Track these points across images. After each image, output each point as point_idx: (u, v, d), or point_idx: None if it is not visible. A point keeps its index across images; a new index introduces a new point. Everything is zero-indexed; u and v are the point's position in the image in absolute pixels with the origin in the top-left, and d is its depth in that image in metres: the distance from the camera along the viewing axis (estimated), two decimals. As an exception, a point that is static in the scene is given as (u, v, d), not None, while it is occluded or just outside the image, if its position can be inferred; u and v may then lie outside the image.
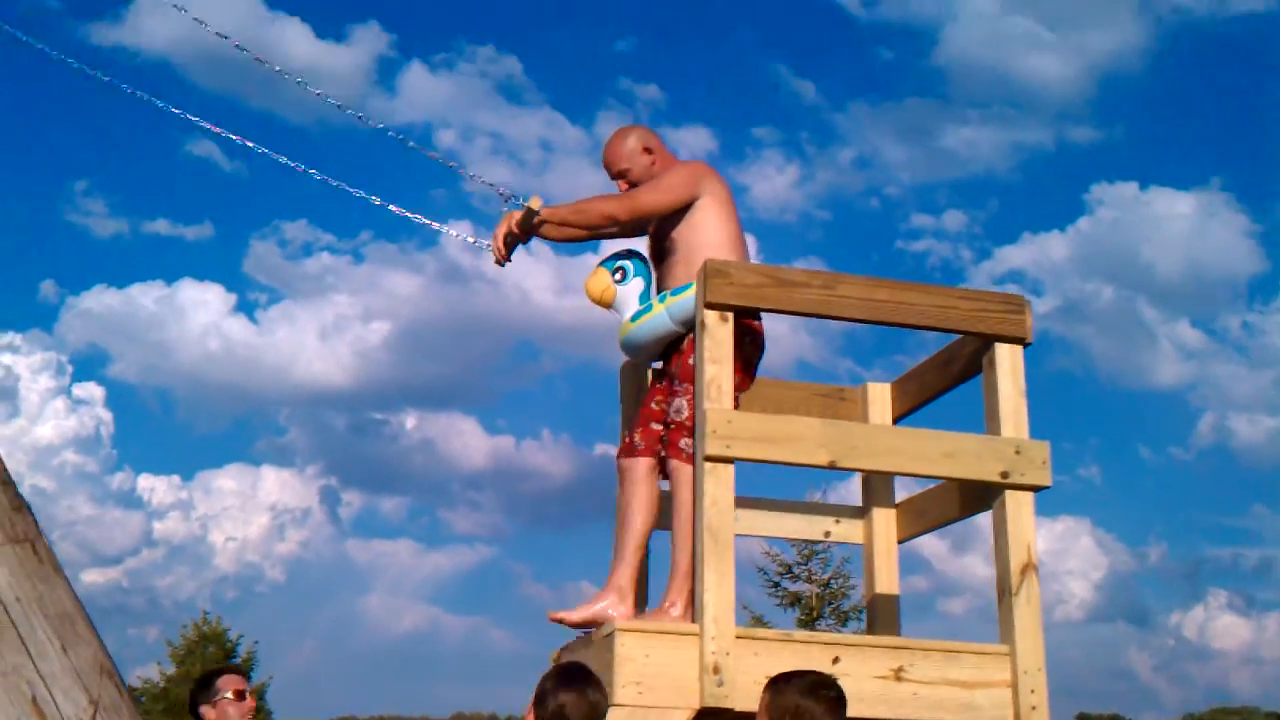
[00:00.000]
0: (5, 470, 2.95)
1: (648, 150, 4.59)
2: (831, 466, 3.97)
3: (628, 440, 4.46)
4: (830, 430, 4.01)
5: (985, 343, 4.21)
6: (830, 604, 24.53)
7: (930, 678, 3.84)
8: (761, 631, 3.94)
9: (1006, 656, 3.91)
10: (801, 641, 3.84)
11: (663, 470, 4.30)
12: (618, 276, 4.46)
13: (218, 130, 5.07)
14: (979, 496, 4.27)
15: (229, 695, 4.21)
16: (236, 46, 5.36)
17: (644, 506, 4.28)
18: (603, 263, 4.55)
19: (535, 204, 4.33)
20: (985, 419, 4.18)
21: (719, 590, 3.76)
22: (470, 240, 4.86)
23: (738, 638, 3.73)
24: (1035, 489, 4.04)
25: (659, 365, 4.55)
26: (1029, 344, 4.19)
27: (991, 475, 4.01)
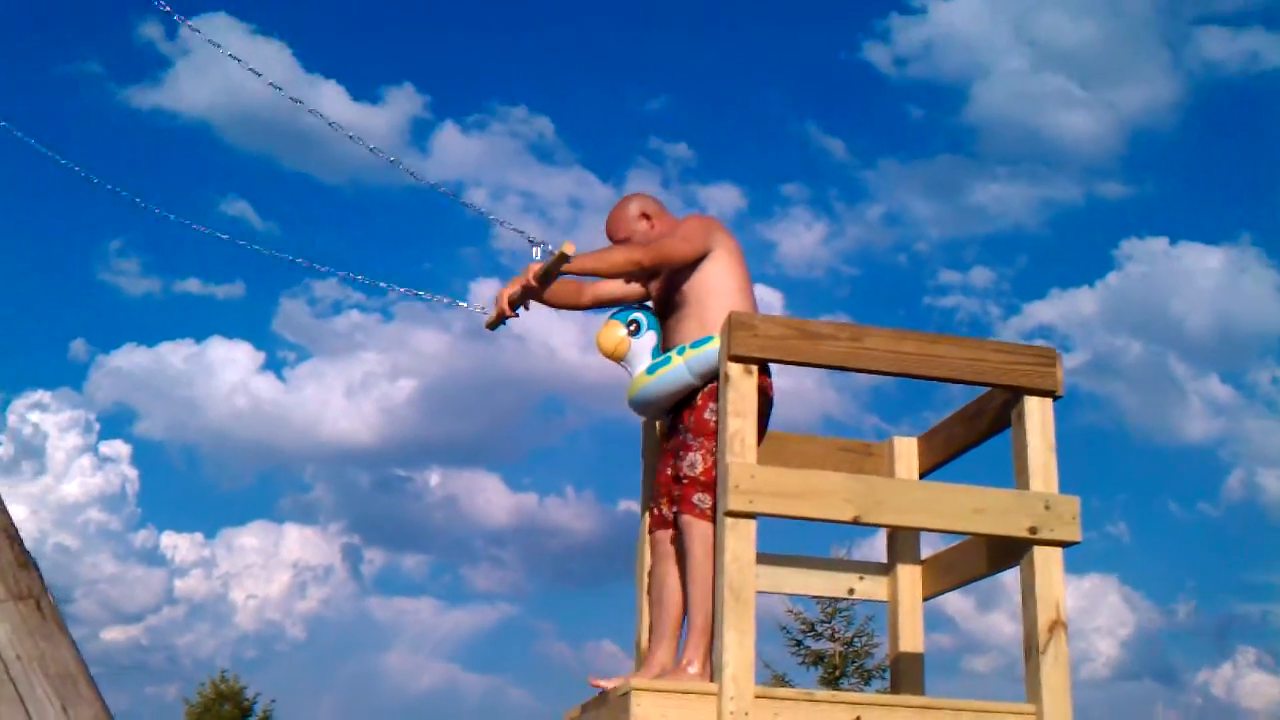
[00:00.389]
0: (12, 525, 2.90)
1: (645, 216, 4.59)
2: (856, 522, 3.89)
3: (656, 512, 4.41)
4: (855, 485, 3.94)
5: (1015, 396, 4.13)
6: (854, 662, 24.32)
7: (957, 739, 3.74)
8: (782, 691, 3.85)
9: (1034, 716, 3.81)
10: (823, 701, 3.74)
11: (675, 525, 4.23)
12: (632, 329, 4.42)
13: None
14: (1007, 552, 4.18)
15: None
16: (292, 99, 5.36)
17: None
18: (614, 315, 4.52)
19: (569, 249, 4.23)
20: (1014, 473, 4.10)
21: (739, 649, 3.67)
22: (467, 307, 4.85)
23: (757, 697, 3.64)
24: (1064, 544, 3.95)
25: (666, 423, 4.50)
26: (1059, 397, 4.12)
27: (1020, 531, 3.93)
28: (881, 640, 25.07)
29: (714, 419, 4.16)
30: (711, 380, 4.20)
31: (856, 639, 24.65)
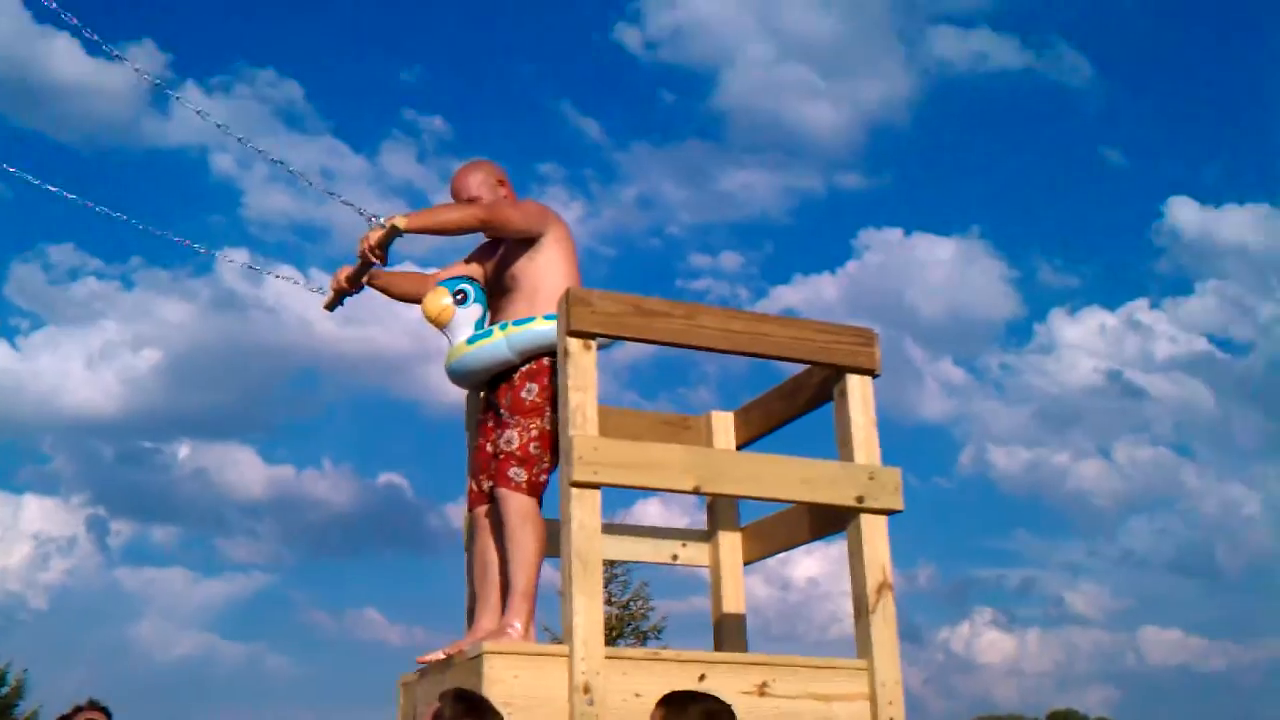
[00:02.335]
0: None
1: (501, 183, 4.69)
2: (696, 492, 4.08)
3: (474, 490, 4.52)
4: (694, 457, 4.12)
5: (837, 374, 4.37)
6: (630, 624, 24.74)
7: (793, 692, 3.97)
8: (630, 651, 4.02)
9: (865, 671, 4.07)
10: (669, 660, 3.92)
11: (492, 498, 4.35)
12: (458, 298, 4.49)
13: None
14: (828, 520, 4.43)
15: None
16: (239, 139, 5.09)
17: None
18: (442, 283, 4.57)
19: (400, 222, 4.31)
20: (838, 446, 4.34)
21: (588, 612, 3.82)
22: (307, 287, 4.86)
23: (607, 658, 3.80)
24: (889, 512, 4.22)
25: (484, 400, 4.61)
26: (878, 374, 4.38)
27: (848, 500, 4.18)
28: (656, 604, 25.55)
29: (530, 398, 4.31)
30: (530, 359, 4.35)
31: (632, 602, 25.08)
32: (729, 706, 3.12)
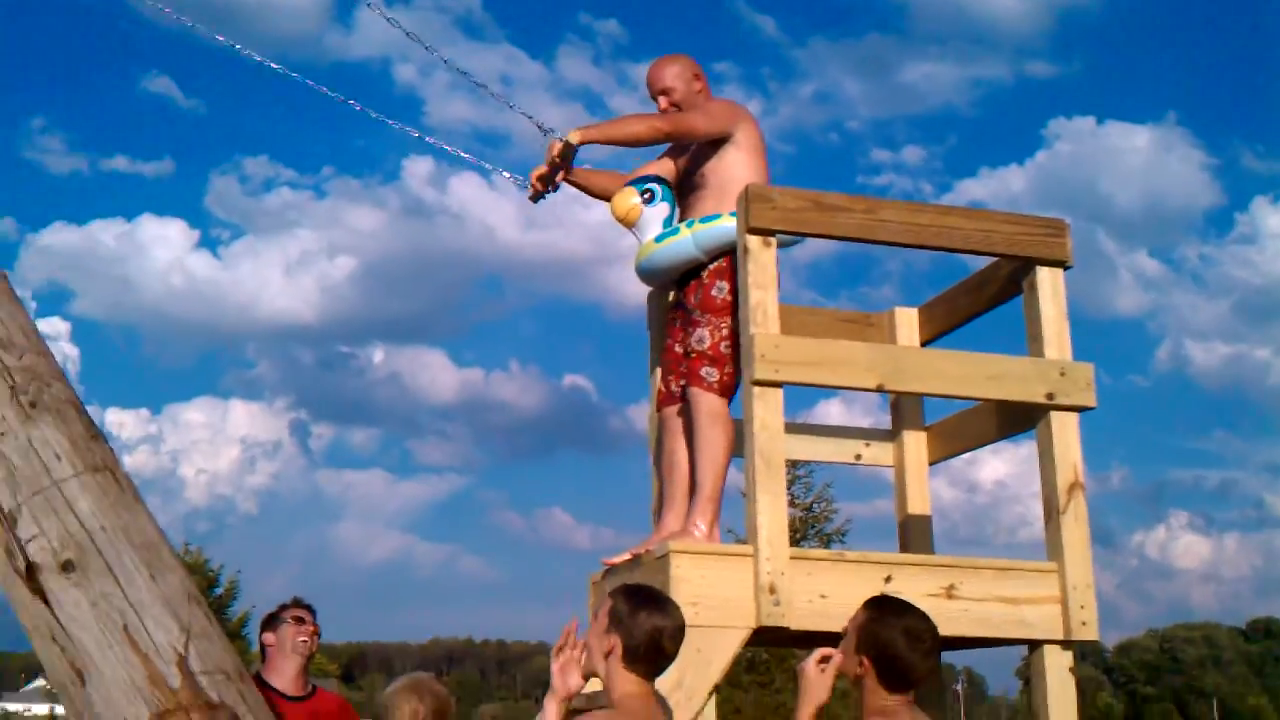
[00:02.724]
0: (76, 397, 2.93)
1: (697, 77, 4.61)
2: (879, 389, 3.99)
3: (663, 390, 4.49)
4: (877, 354, 4.03)
5: (1025, 266, 4.22)
6: (814, 527, 24.65)
7: (981, 594, 3.88)
8: (815, 552, 3.97)
9: (1055, 573, 3.96)
10: (854, 561, 3.86)
11: (683, 397, 4.31)
12: (645, 197, 4.44)
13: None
14: (1016, 418, 4.30)
15: (292, 621, 4.35)
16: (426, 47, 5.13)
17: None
18: (630, 183, 4.53)
19: (574, 137, 4.28)
20: (1028, 341, 4.20)
21: (773, 512, 3.78)
22: (510, 177, 4.82)
23: (792, 558, 3.76)
24: (1080, 409, 4.07)
25: (673, 298, 4.55)
26: (1069, 266, 4.20)
27: (1037, 397, 4.04)
28: (840, 506, 25.42)
29: (720, 296, 4.24)
30: (718, 257, 4.26)
31: (815, 504, 24.97)
32: (934, 627, 3.02)
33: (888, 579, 3.79)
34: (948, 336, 4.91)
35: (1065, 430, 4.04)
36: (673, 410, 4.43)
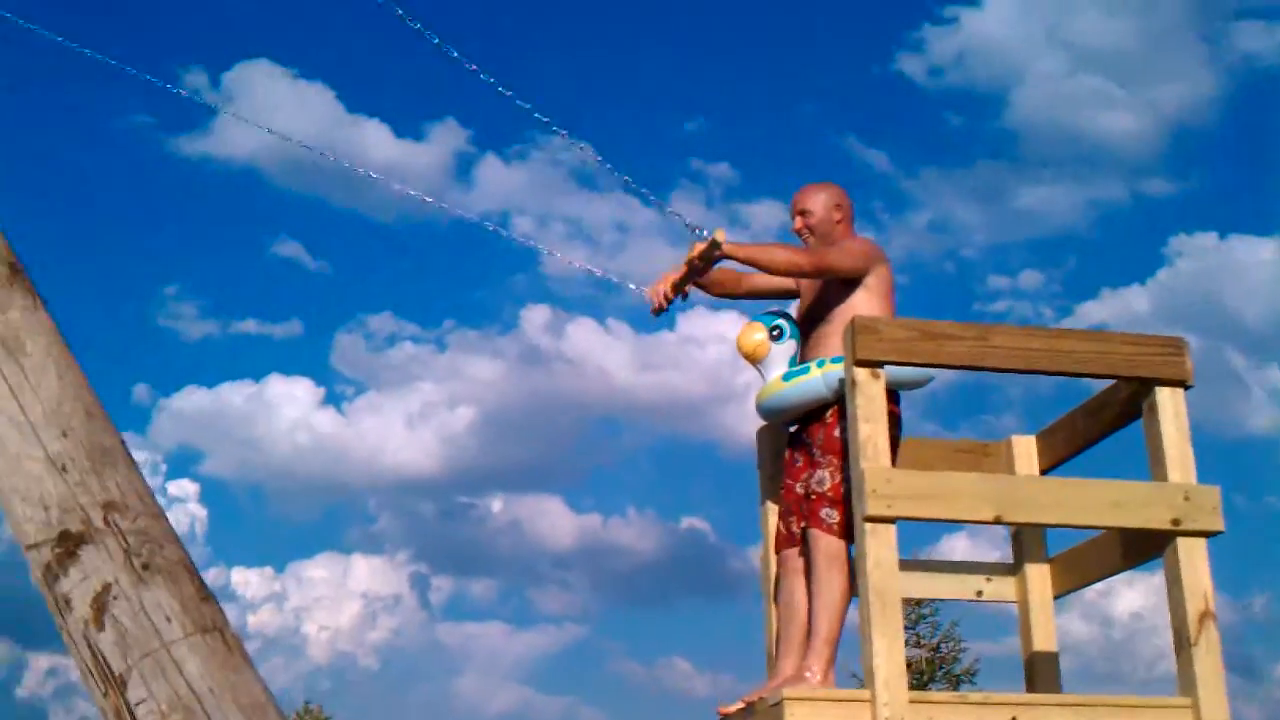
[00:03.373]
0: (189, 558, 2.96)
1: (839, 208, 4.61)
2: (997, 521, 3.89)
3: (782, 531, 4.45)
4: (992, 485, 3.94)
5: (1144, 387, 4.11)
6: (941, 668, 24.14)
7: (1115, 735, 3.72)
8: (936, 695, 3.85)
9: (1189, 709, 3.79)
10: (976, 703, 3.74)
11: (804, 539, 4.26)
12: (774, 334, 4.44)
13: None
14: (1144, 546, 4.16)
15: None
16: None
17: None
18: (757, 317, 4.53)
19: (720, 235, 4.29)
20: (1150, 465, 4.07)
21: (890, 654, 3.67)
22: (636, 289, 4.87)
23: (911, 701, 3.64)
24: (1208, 534, 3.93)
25: (789, 436, 4.51)
26: (1190, 386, 4.09)
27: (1162, 523, 3.91)
28: (968, 645, 24.84)
29: (843, 437, 4.19)
30: (844, 398, 4.22)
31: (943, 644, 24.47)
32: None
33: None
34: (1068, 464, 4.79)
35: (1193, 557, 3.90)
36: (793, 552, 4.37)
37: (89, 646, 2.79)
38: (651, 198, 4.85)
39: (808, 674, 4.04)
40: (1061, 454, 4.78)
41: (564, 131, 5.07)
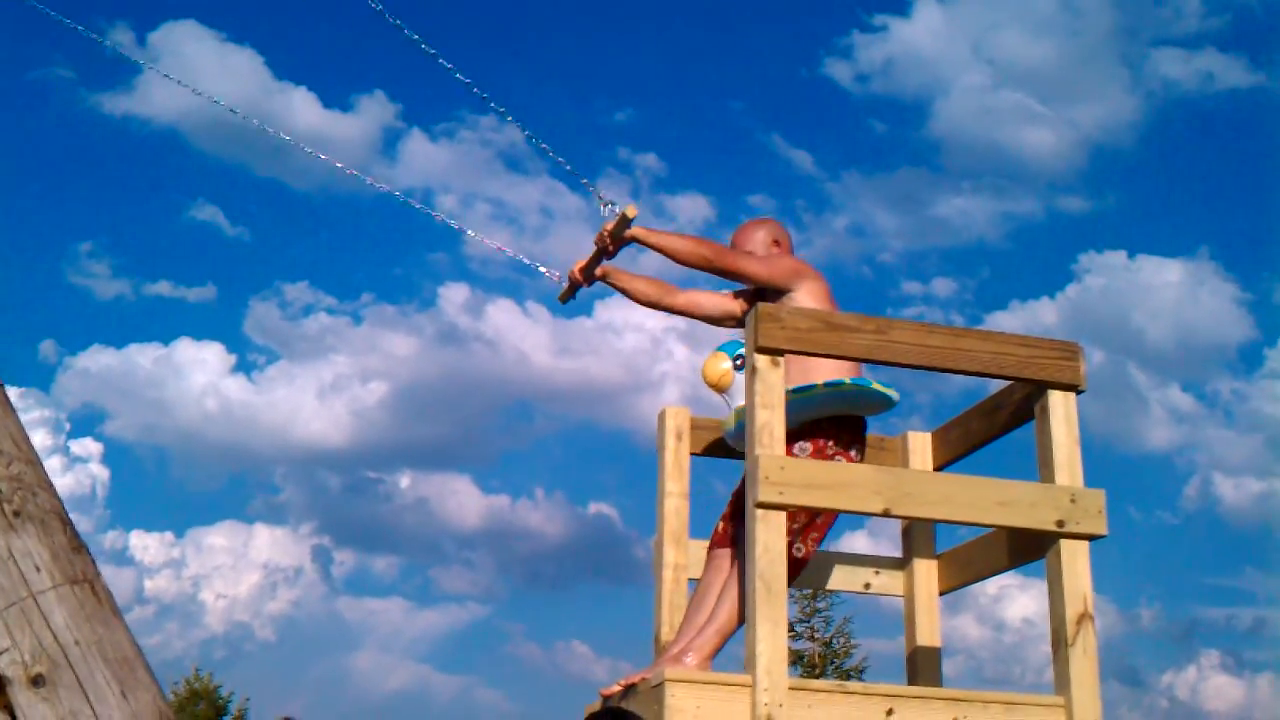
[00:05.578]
0: (63, 508, 2.89)
1: (777, 242, 4.64)
2: (885, 514, 3.90)
3: (721, 529, 4.45)
4: (884, 477, 3.95)
5: (1038, 389, 4.16)
6: (832, 663, 24.36)
7: (988, 730, 3.76)
8: (815, 683, 3.86)
9: (1062, 708, 3.84)
10: (855, 693, 3.76)
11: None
12: (738, 363, 4.44)
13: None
14: (1029, 546, 4.20)
15: None
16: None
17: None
18: (722, 346, 4.55)
19: (631, 211, 4.29)
20: (1039, 467, 4.12)
21: (772, 640, 3.68)
22: (547, 272, 4.85)
23: (791, 689, 3.65)
24: (1091, 538, 3.97)
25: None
26: (1082, 390, 4.14)
27: (1047, 524, 3.95)
28: (859, 641, 25.10)
29: (803, 456, 4.22)
30: (805, 423, 4.27)
31: (835, 639, 24.70)
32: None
33: (890, 712, 3.68)
34: (961, 462, 4.84)
35: (1075, 559, 3.94)
36: (724, 552, 4.36)
37: (-47, 592, 2.71)
38: (568, 167, 4.82)
39: (686, 658, 4.03)
40: (955, 452, 4.82)
41: (501, 108, 4.99)
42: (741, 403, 4.32)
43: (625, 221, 4.31)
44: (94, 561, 2.82)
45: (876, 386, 4.31)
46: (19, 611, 2.65)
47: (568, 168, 4.84)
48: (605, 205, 4.46)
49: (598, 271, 4.70)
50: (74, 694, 2.58)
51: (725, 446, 4.68)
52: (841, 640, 24.70)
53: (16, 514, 2.79)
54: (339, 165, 5.46)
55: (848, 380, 4.25)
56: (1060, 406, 4.11)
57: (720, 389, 4.47)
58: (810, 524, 4.22)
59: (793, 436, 4.19)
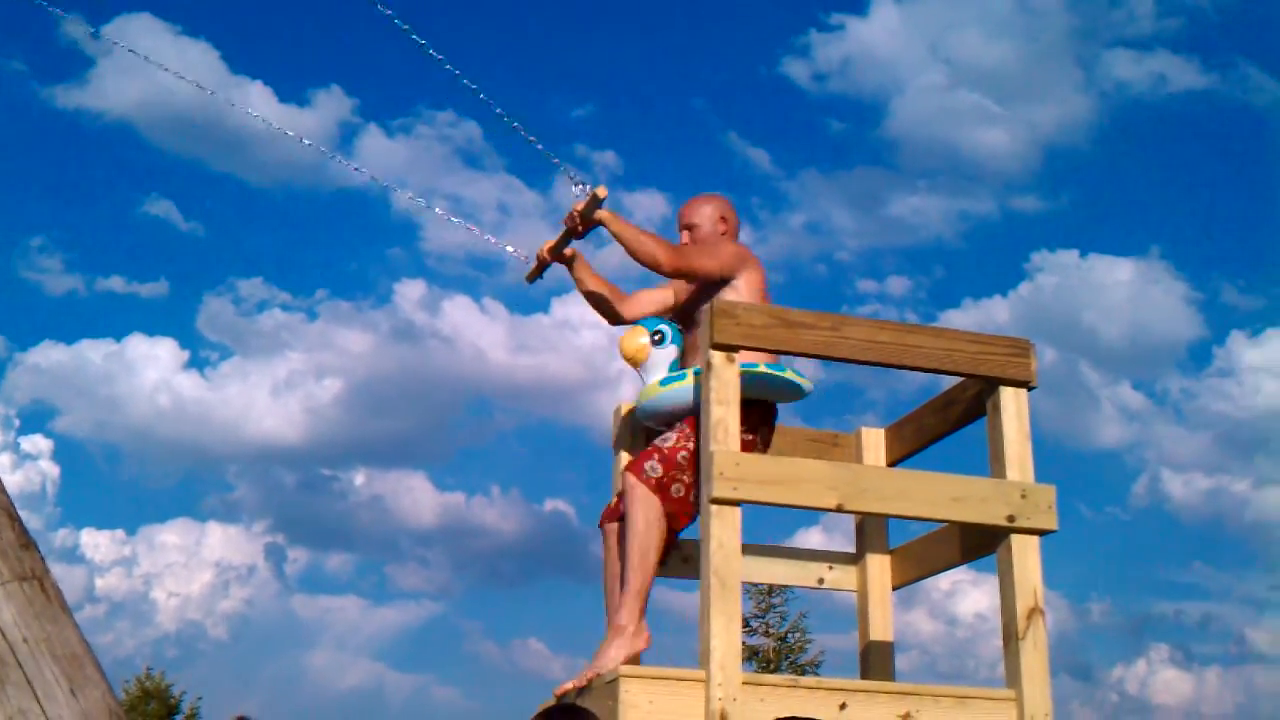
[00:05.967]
0: (11, 504, 2.86)
1: (724, 219, 4.64)
2: (839, 509, 3.92)
3: (614, 504, 4.43)
4: (838, 473, 3.97)
5: (989, 386, 4.19)
6: (787, 658, 24.44)
7: (940, 723, 3.78)
8: (769, 678, 3.87)
9: (1013, 701, 3.87)
10: (808, 688, 3.77)
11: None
12: (655, 339, 4.44)
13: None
14: (981, 541, 4.23)
15: None
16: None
17: None
18: (641, 321, 4.54)
19: (602, 192, 4.30)
20: (990, 462, 4.15)
21: (726, 635, 3.69)
22: (514, 252, 4.83)
23: (744, 683, 3.67)
24: (1041, 533, 4.01)
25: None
26: (1033, 387, 4.17)
27: (998, 519, 3.98)
28: (814, 637, 25.18)
29: (705, 420, 4.15)
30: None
31: (790, 634, 24.76)
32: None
33: (843, 706, 3.70)
34: (914, 458, 4.86)
35: (1025, 553, 3.98)
36: (614, 527, 4.36)
37: (-102, 590, 2.68)
38: (539, 146, 4.78)
39: (616, 632, 4.04)
40: (909, 448, 4.84)
41: (482, 94, 4.94)
42: (656, 378, 4.35)
43: (596, 201, 4.32)
44: (43, 559, 2.80)
45: (790, 375, 4.30)
46: (-34, 609, 2.62)
47: (539, 146, 4.80)
48: (577, 185, 4.45)
49: (567, 252, 4.69)
50: (22, 692, 2.56)
51: None
52: (796, 635, 24.78)
53: (-37, 511, 2.76)
54: (308, 143, 5.42)
55: (762, 365, 4.22)
56: (1012, 403, 4.14)
57: (636, 363, 4.44)
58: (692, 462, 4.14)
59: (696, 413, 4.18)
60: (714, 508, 3.78)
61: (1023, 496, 4.00)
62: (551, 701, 4.21)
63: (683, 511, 4.16)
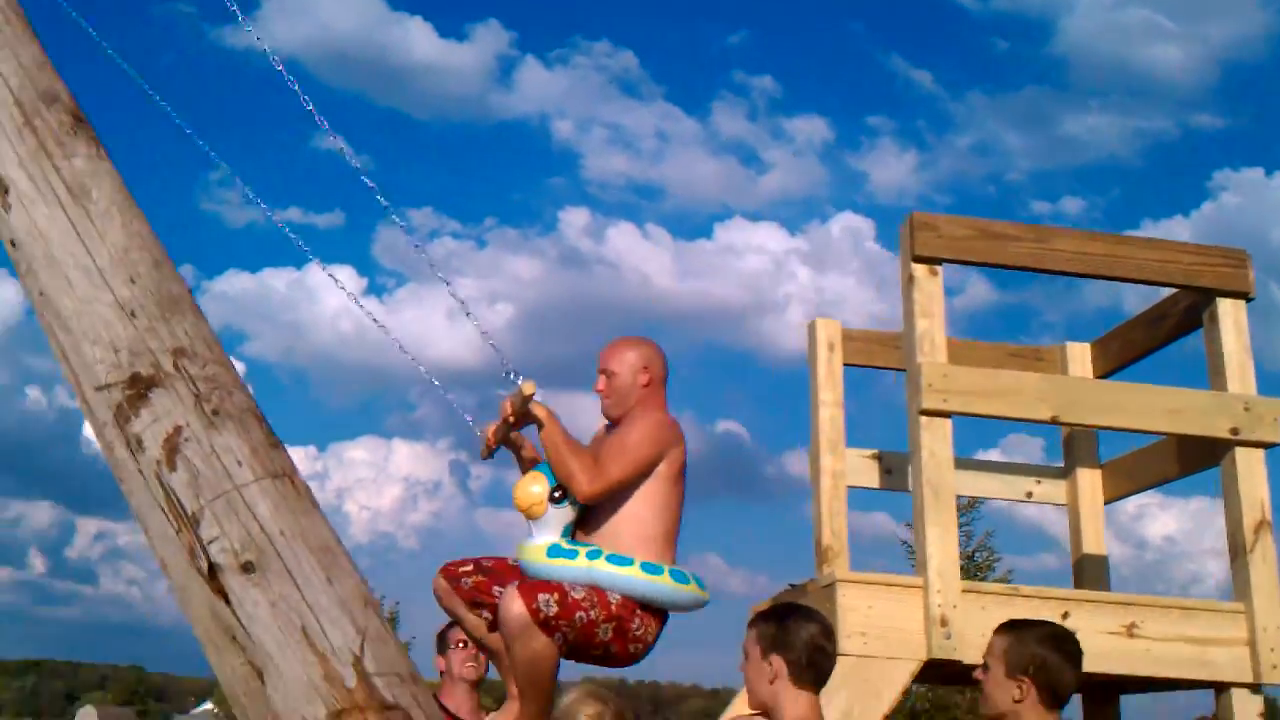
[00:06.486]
0: (258, 407, 2.97)
1: (646, 370, 3.99)
2: (1054, 421, 3.89)
3: (467, 567, 3.96)
4: (1049, 385, 3.93)
5: (1206, 297, 4.08)
6: (975, 575, 24.07)
7: (1164, 634, 3.74)
8: (988, 585, 3.87)
9: (1243, 614, 3.80)
10: (1028, 596, 3.75)
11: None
12: (556, 495, 3.80)
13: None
14: (1197, 456, 4.15)
15: (456, 646, 4.30)
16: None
17: None
18: (542, 467, 3.88)
19: (528, 389, 3.82)
20: (1209, 375, 4.07)
21: (943, 544, 3.69)
22: (472, 426, 4.20)
23: (964, 591, 3.66)
24: (1267, 445, 3.92)
25: None
26: (1252, 298, 4.06)
27: (1221, 432, 3.90)
28: (1002, 555, 24.74)
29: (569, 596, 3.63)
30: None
31: (977, 553, 24.30)
32: (1071, 632, 2.87)
33: (1065, 615, 3.67)
34: (1122, 373, 4.77)
35: (1251, 467, 3.89)
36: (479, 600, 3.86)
37: (160, 485, 2.81)
38: (476, 320, 4.19)
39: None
40: (1116, 363, 4.77)
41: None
42: (544, 541, 3.76)
43: (523, 397, 3.79)
44: (290, 457, 2.90)
45: (692, 588, 3.67)
46: (225, 503, 2.73)
47: (482, 330, 4.21)
48: (511, 374, 3.93)
49: (512, 436, 4.08)
50: (283, 579, 2.66)
51: (879, 357, 4.67)
52: (985, 554, 24.26)
53: (215, 412, 2.88)
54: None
55: (666, 570, 3.66)
56: (1230, 314, 4.05)
57: (529, 515, 3.81)
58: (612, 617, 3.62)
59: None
60: (924, 419, 3.77)
61: (1246, 409, 3.91)
62: (765, 603, 4.22)
63: (626, 656, 3.72)
